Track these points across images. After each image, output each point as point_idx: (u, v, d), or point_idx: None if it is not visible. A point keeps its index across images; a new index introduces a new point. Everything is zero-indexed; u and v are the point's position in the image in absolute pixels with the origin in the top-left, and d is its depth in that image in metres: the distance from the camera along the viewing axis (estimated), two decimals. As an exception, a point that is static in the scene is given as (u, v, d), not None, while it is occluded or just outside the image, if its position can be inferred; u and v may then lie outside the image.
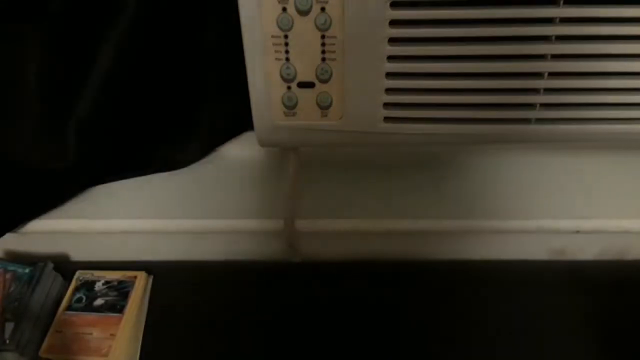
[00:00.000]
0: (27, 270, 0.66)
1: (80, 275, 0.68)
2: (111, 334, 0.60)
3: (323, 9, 0.44)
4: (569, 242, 0.70)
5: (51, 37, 0.52)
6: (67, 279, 0.67)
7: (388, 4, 0.43)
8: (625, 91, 0.48)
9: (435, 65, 0.46)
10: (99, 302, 0.64)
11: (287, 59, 0.47)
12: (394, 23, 0.44)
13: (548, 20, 0.44)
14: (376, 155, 0.62)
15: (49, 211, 0.67)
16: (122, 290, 0.65)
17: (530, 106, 0.48)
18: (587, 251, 0.70)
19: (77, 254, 0.73)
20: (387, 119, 0.50)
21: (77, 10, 0.50)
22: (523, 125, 0.50)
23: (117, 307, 0.63)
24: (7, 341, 0.59)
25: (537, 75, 0.47)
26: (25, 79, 0.54)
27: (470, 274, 0.68)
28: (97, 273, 0.68)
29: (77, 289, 0.66)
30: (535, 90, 0.47)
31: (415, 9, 0.44)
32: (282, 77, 0.48)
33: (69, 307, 0.64)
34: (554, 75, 0.47)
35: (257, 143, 0.53)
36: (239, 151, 0.62)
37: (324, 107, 0.50)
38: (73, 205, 0.66)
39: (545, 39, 0.45)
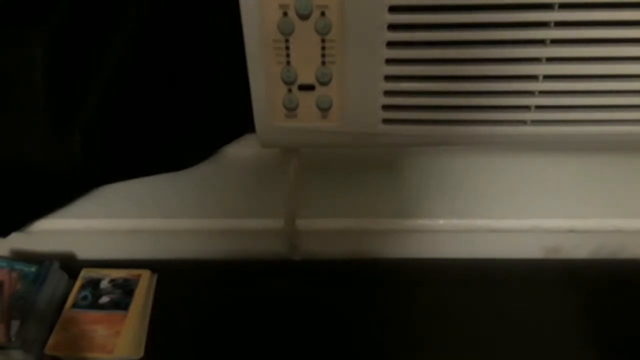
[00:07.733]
0: (33, 269, 0.66)
1: (85, 273, 0.68)
2: (116, 331, 0.61)
3: (323, 14, 0.45)
4: (563, 240, 0.70)
5: (56, 40, 0.52)
6: (73, 277, 0.68)
7: (386, 8, 0.44)
8: (620, 93, 0.48)
9: (432, 68, 0.47)
10: (104, 299, 0.64)
11: (288, 62, 0.48)
12: (392, 27, 0.45)
13: (543, 24, 0.45)
14: (376, 156, 0.63)
15: (54, 212, 0.67)
16: (126, 288, 0.65)
17: (525, 108, 0.49)
18: (581, 250, 0.70)
19: (83, 253, 0.74)
20: (385, 120, 0.51)
21: (82, 13, 0.51)
22: (518, 126, 0.50)
23: (122, 304, 0.63)
24: (13, 339, 0.59)
25: (532, 77, 0.47)
26: (31, 81, 0.54)
27: (467, 273, 0.68)
28: (103, 271, 0.68)
29: (82, 287, 0.66)
30: (530, 93, 0.48)
31: (413, 14, 0.44)
32: (283, 79, 0.49)
33: (75, 305, 0.64)
34: (548, 77, 0.47)
35: (259, 144, 0.54)
36: (241, 151, 0.62)
37: (324, 109, 0.50)
38: (78, 205, 0.67)
39: (540, 42, 0.45)
